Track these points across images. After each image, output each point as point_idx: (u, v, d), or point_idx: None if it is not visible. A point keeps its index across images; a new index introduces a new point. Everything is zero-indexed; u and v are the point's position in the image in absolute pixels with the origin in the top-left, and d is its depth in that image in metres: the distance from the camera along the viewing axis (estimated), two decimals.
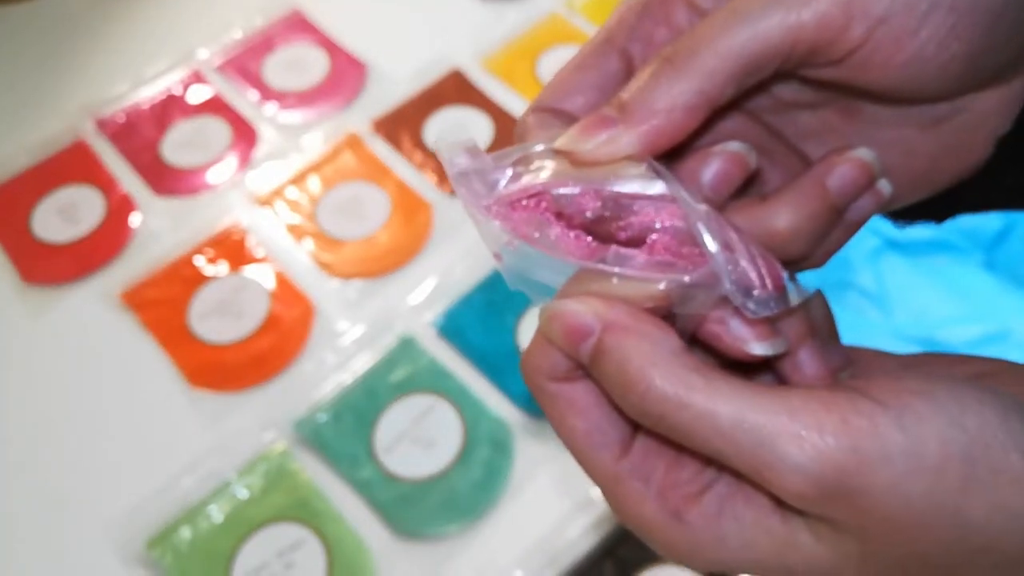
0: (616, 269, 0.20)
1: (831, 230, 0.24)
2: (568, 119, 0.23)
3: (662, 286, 0.20)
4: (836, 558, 0.19)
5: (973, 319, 0.58)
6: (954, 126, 0.24)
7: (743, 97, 0.24)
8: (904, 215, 0.27)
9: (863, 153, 0.23)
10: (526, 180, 0.22)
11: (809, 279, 0.23)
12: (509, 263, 0.22)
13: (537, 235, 0.21)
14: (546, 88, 0.24)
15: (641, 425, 0.21)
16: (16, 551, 0.49)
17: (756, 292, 0.20)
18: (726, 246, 0.20)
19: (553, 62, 0.70)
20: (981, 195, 0.25)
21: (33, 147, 0.65)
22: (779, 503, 0.20)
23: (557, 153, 0.22)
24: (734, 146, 0.23)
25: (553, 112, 0.24)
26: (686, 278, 0.20)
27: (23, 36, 0.73)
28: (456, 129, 0.65)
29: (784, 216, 0.23)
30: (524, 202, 0.21)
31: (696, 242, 0.20)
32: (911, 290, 0.59)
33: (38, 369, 0.56)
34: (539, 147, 0.22)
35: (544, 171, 0.22)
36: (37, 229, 0.61)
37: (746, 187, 0.25)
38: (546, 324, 0.21)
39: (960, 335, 0.57)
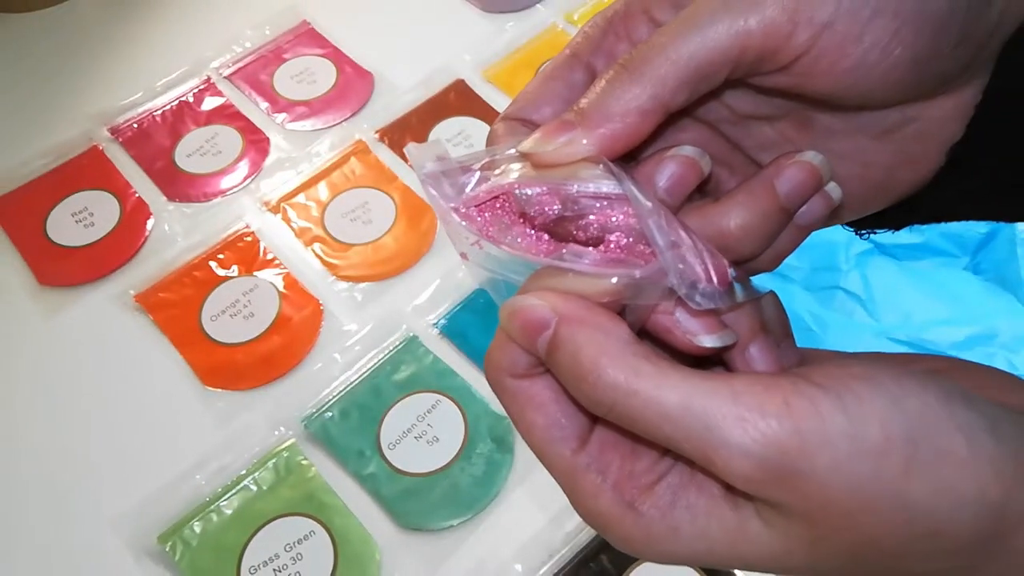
0: (572, 265, 0.21)
1: (780, 231, 0.24)
2: (535, 128, 0.24)
3: (614, 280, 0.21)
4: (786, 544, 0.19)
5: (960, 321, 0.59)
6: (907, 135, 0.24)
7: (699, 103, 0.24)
8: (862, 224, 0.28)
9: (811, 156, 0.24)
10: (492, 182, 0.23)
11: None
12: (475, 263, 0.23)
13: (501, 235, 0.22)
14: (515, 99, 0.25)
15: (599, 419, 0.22)
16: (30, 544, 0.50)
17: (702, 286, 0.21)
18: (673, 242, 0.21)
19: None
20: (936, 205, 0.26)
21: (48, 153, 0.66)
22: (730, 490, 0.20)
23: (522, 156, 0.23)
24: (687, 150, 0.23)
25: (521, 121, 0.25)
26: (636, 273, 0.21)
27: (39, 44, 0.74)
28: (458, 137, 0.67)
29: (735, 216, 0.23)
30: (489, 203, 0.22)
31: (649, 240, 0.21)
32: (899, 293, 0.60)
33: (54, 369, 0.57)
34: (505, 151, 0.23)
35: (509, 174, 0.23)
36: (52, 233, 0.62)
37: (704, 194, 0.26)
38: (506, 320, 0.21)
39: (947, 337, 0.58)
